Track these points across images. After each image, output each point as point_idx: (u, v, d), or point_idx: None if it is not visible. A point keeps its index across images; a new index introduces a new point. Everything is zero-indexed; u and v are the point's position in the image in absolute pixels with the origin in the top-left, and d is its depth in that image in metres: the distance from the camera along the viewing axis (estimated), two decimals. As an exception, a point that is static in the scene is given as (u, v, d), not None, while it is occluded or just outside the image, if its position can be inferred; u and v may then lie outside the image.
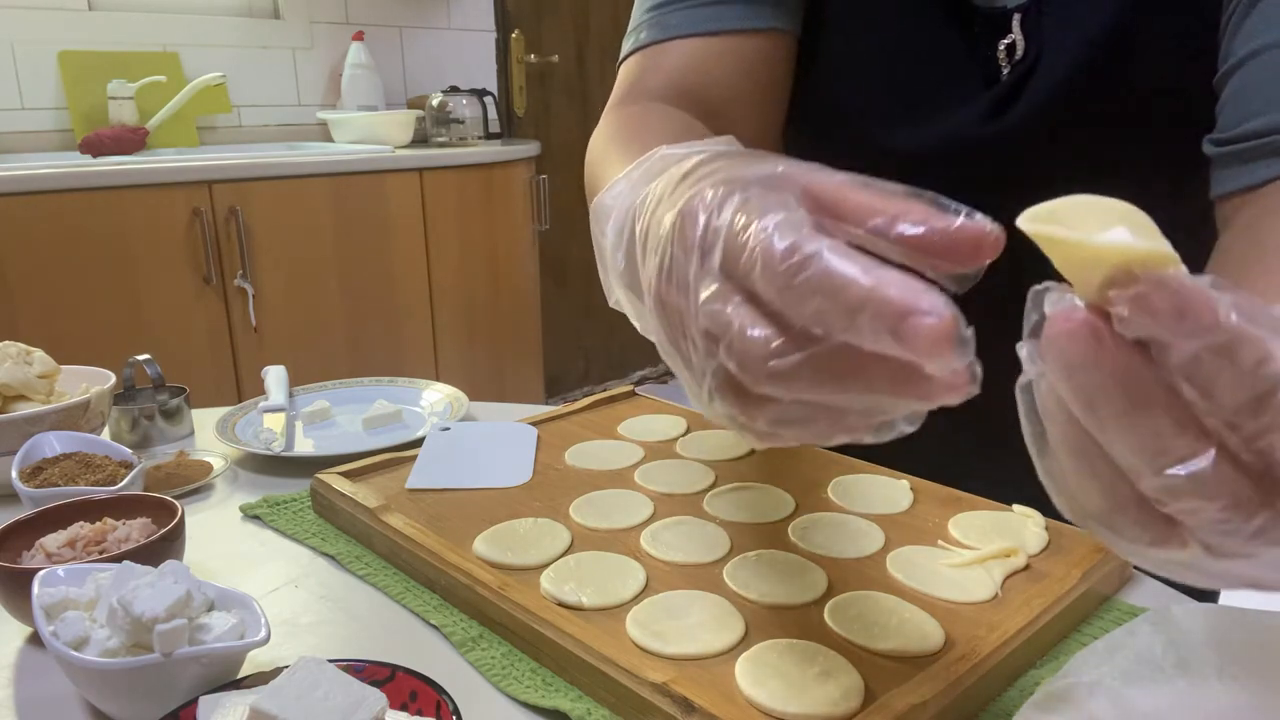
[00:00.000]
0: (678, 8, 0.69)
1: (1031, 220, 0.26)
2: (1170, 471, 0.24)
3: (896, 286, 0.26)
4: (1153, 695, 0.44)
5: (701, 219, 0.31)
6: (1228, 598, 0.67)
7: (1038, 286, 0.27)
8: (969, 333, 0.26)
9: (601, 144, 0.61)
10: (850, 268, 0.27)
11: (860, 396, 0.29)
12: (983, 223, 0.28)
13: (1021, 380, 0.28)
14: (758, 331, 0.28)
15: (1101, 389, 0.25)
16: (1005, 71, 0.64)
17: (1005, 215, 0.57)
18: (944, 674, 0.43)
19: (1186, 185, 0.62)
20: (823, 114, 0.72)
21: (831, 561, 0.56)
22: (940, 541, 0.58)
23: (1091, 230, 0.25)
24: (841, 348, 0.27)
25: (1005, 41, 0.64)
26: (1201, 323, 0.23)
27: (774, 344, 0.28)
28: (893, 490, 0.65)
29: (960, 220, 0.28)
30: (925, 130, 0.66)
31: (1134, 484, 0.26)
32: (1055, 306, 0.26)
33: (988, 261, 0.28)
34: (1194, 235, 0.58)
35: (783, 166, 0.32)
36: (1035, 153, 0.64)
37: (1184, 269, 0.24)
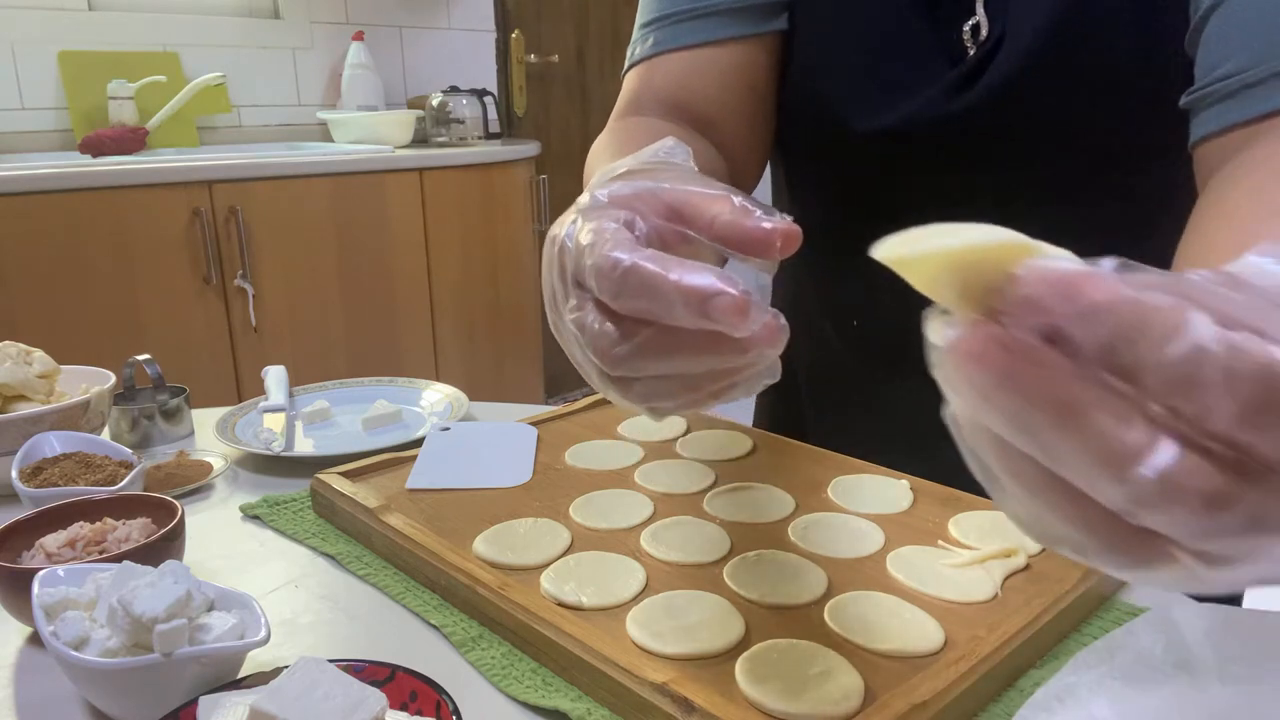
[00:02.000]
0: (664, 24, 0.72)
1: (883, 248, 0.24)
2: (1134, 473, 0.21)
3: (698, 278, 0.32)
4: (1153, 695, 0.44)
5: (557, 245, 0.38)
6: (1251, 599, 0.67)
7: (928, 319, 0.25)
8: (758, 299, 0.32)
9: (593, 158, 0.65)
10: (660, 270, 0.33)
11: (695, 362, 0.35)
12: (770, 223, 0.34)
13: (948, 412, 0.26)
14: (602, 328, 0.35)
15: (1027, 405, 0.22)
16: (970, 53, 0.65)
17: (971, 191, 0.60)
18: (944, 674, 0.43)
19: (1154, 161, 0.62)
20: (798, 101, 0.73)
21: (831, 561, 0.56)
22: (940, 541, 0.58)
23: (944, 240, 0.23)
24: (665, 329, 0.34)
25: (970, 23, 0.65)
26: (1096, 304, 0.21)
27: (613, 336, 0.35)
28: (893, 490, 0.65)
29: (752, 222, 0.34)
30: (892, 111, 0.67)
31: (1097, 502, 0.23)
32: (942, 333, 0.23)
33: (783, 254, 0.34)
34: (1163, 210, 0.58)
35: (651, 182, 0.39)
36: (999, 130, 0.64)
37: (1063, 253, 0.23)
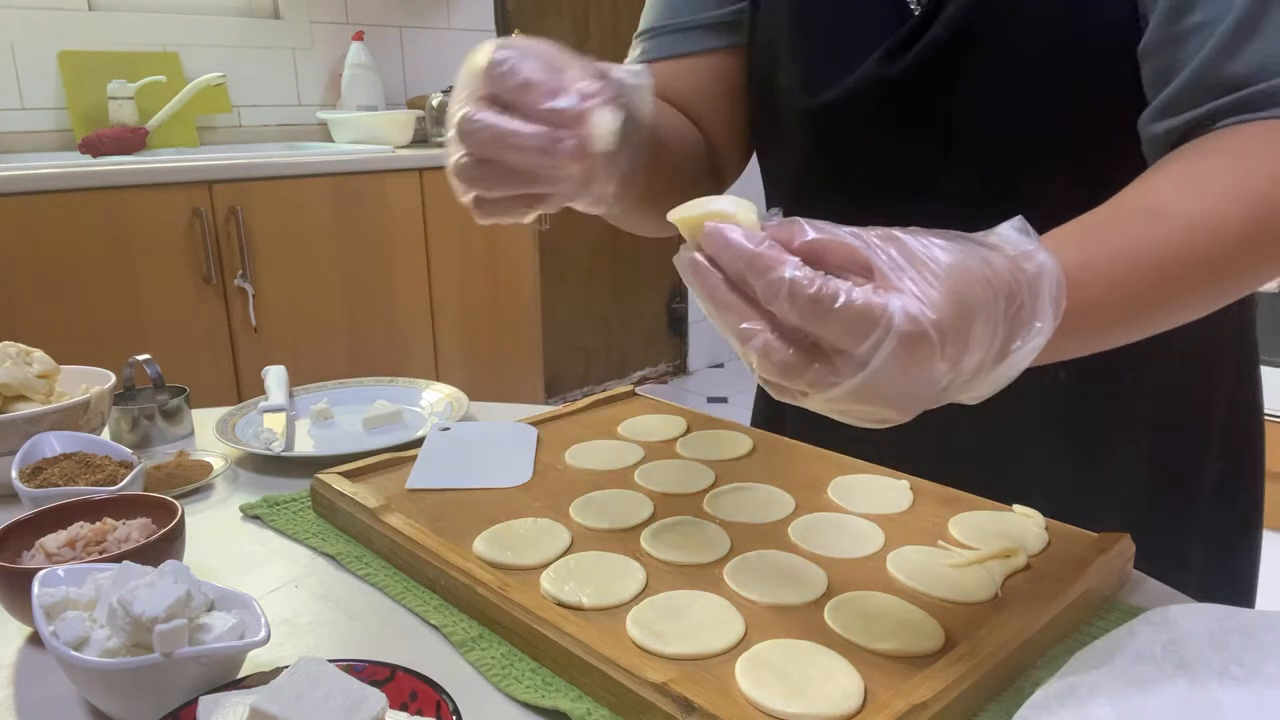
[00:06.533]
0: (650, 36, 0.79)
1: (671, 213, 0.42)
2: (746, 346, 0.39)
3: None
4: (1153, 695, 0.44)
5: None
6: (1263, 600, 0.67)
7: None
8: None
9: None
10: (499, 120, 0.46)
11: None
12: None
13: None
14: (462, 157, 0.48)
15: (701, 298, 0.40)
16: (915, 14, 0.65)
17: (911, 161, 0.71)
18: (944, 674, 0.43)
19: (1084, 145, 0.63)
20: (759, 85, 0.75)
21: (831, 561, 0.56)
22: (940, 541, 0.58)
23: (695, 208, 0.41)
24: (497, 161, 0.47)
25: None
26: (733, 251, 0.38)
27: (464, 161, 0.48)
28: (893, 490, 0.65)
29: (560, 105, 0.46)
30: (838, 82, 0.68)
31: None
32: (679, 254, 0.41)
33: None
34: (1093, 190, 0.59)
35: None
36: (933, 95, 0.65)
37: (744, 220, 0.40)
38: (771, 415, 0.89)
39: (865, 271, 0.38)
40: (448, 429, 0.80)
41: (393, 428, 0.87)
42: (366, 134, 2.36)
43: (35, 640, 0.53)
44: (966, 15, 0.62)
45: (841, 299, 0.36)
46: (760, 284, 0.38)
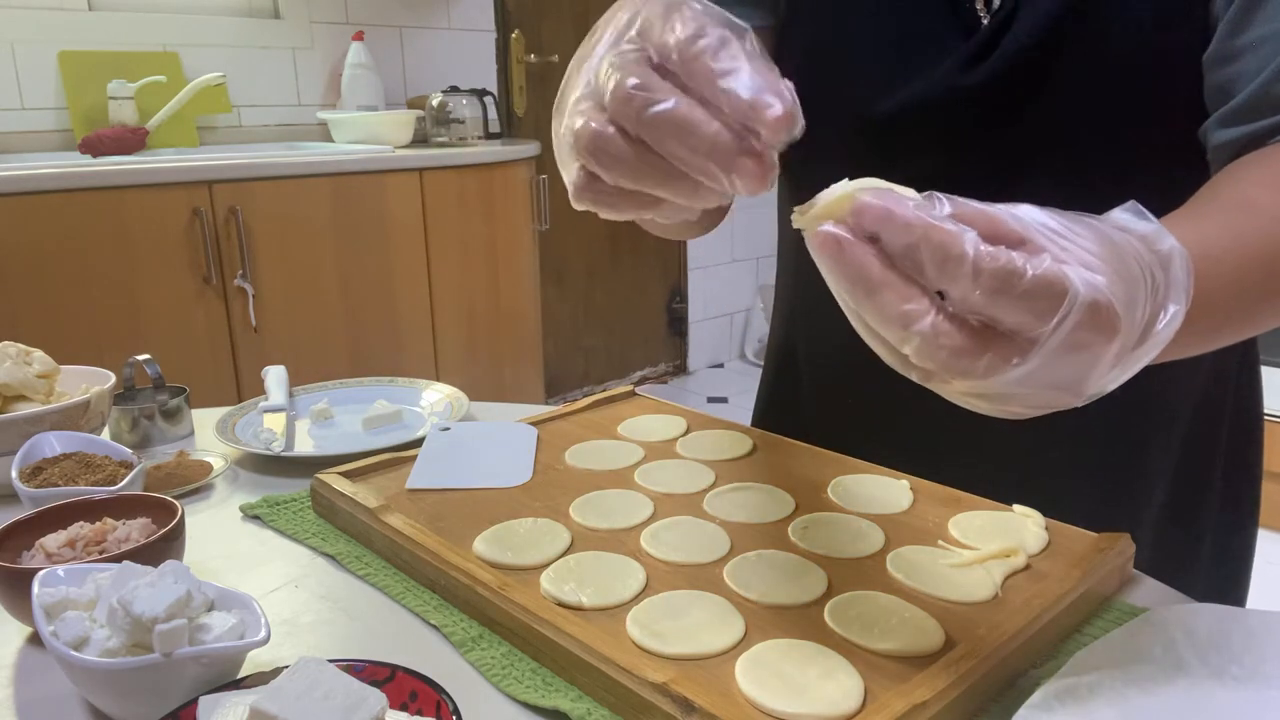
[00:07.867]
0: None
1: (797, 213, 0.36)
2: (908, 331, 0.33)
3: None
4: (1153, 695, 0.44)
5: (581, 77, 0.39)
6: (1260, 600, 0.67)
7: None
8: None
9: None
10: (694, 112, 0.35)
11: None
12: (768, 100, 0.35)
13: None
14: (605, 128, 0.36)
15: (846, 280, 0.34)
16: (985, 23, 0.65)
17: (984, 168, 0.60)
18: (944, 674, 0.43)
19: (1166, 142, 0.63)
20: (807, 83, 0.73)
21: (831, 561, 0.56)
22: (940, 541, 0.58)
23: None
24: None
25: None
26: (901, 222, 0.33)
27: (608, 130, 0.36)
28: (893, 490, 0.65)
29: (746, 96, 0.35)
30: (905, 89, 0.67)
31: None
32: (811, 230, 0.35)
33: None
34: (1173, 189, 0.59)
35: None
36: (1011, 103, 0.64)
37: (909, 192, 0.34)
38: (772, 415, 0.88)
39: (1015, 245, 0.34)
40: (448, 429, 0.80)
41: (393, 428, 0.87)
42: (366, 134, 2.36)
43: (35, 640, 0.53)
44: (1047, 24, 0.62)
45: (1030, 272, 0.32)
46: (938, 258, 0.33)
